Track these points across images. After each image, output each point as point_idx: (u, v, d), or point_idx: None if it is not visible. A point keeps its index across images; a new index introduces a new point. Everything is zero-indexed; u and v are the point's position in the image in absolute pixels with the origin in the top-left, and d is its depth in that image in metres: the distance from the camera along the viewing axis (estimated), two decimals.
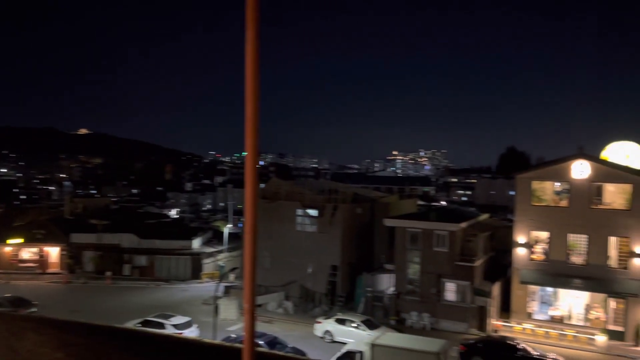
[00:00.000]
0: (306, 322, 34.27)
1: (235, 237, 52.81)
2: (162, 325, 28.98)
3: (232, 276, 41.85)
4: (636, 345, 30.01)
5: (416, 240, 34.79)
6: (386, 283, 38.06)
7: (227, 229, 55.71)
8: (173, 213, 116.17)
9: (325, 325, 31.40)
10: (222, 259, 52.67)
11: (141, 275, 49.71)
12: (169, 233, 53.45)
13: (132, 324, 28.10)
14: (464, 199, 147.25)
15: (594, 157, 33.83)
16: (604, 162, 33.70)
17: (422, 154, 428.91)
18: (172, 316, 31.09)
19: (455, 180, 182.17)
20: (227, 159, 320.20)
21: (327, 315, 33.51)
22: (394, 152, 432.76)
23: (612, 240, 31.57)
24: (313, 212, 38.32)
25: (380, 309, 35.90)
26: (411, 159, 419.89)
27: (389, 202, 43.98)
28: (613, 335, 30.58)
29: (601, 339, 29.93)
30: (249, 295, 3.50)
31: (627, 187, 31.40)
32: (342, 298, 37.34)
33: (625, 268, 31.05)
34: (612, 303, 31.39)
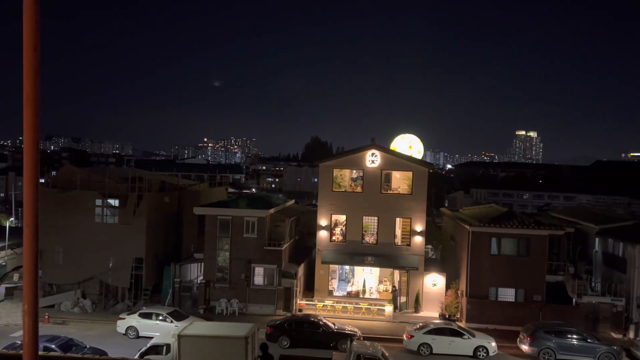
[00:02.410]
0: (107, 320, 31.91)
1: (19, 231, 46.41)
2: None
3: (15, 276, 36.74)
4: (416, 312, 34.72)
5: (226, 228, 34.87)
6: (196, 272, 37.46)
7: (8, 222, 48.84)
8: None
9: (129, 321, 29.62)
10: (3, 257, 45.96)
11: None
12: None
13: None
14: (273, 186, 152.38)
15: (383, 147, 37.85)
16: (392, 152, 37.97)
17: (233, 141, 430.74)
18: None
19: (264, 167, 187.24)
20: (8, 142, 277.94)
21: (131, 311, 31.68)
22: (205, 139, 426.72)
23: (398, 221, 35.87)
24: (114, 202, 35.61)
25: (189, 299, 35.24)
26: (222, 147, 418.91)
27: (199, 190, 43.13)
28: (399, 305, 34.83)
29: (389, 309, 33.90)
30: (29, 295, 3.08)
31: (409, 174, 35.91)
32: (147, 291, 35.61)
33: (408, 245, 35.59)
34: (397, 276, 35.72)
